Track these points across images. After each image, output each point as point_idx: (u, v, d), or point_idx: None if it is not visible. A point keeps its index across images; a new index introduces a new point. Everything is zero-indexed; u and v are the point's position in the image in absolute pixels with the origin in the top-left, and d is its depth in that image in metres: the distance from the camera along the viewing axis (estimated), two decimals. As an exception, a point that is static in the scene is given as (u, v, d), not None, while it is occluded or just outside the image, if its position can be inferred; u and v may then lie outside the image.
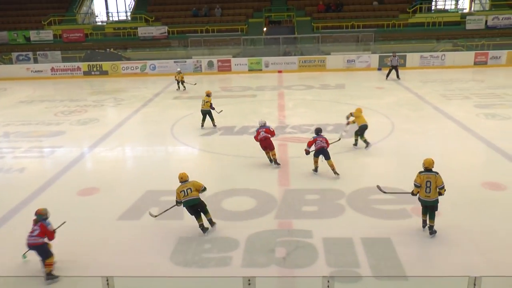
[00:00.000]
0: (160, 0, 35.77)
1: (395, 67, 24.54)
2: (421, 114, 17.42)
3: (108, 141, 15.31)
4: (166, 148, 14.55)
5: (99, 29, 34.78)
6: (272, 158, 12.12)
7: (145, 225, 9.15)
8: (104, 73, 29.97)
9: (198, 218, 8.62)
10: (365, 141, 13.23)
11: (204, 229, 8.61)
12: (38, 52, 31.75)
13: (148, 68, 29.66)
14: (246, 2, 34.88)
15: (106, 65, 30.11)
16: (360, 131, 13.12)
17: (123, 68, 29.84)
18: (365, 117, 13.22)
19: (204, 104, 16.00)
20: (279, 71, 28.85)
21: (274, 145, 12.17)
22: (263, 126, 12.23)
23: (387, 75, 24.73)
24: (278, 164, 12.05)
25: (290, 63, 29.23)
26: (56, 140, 15.52)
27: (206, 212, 8.70)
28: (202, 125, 16.03)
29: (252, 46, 31.72)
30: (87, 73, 30.09)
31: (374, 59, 28.37)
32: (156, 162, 13.22)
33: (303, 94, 21.84)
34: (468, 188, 10.28)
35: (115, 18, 39.67)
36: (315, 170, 11.44)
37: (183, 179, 8.78)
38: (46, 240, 7.55)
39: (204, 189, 8.80)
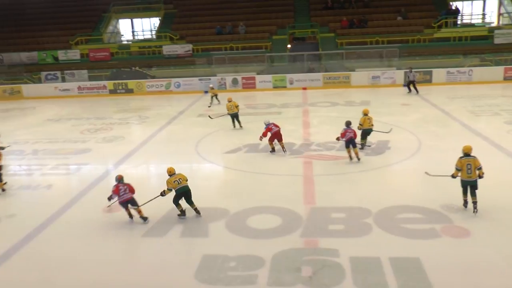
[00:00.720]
0: (184, 19, 36.25)
1: (412, 82, 24.82)
2: (449, 131, 17.09)
3: (133, 158, 15.40)
4: (191, 165, 14.52)
5: (124, 48, 35.40)
6: (282, 146, 14.52)
7: (169, 242, 9.12)
8: (129, 91, 30.38)
9: (178, 205, 10.04)
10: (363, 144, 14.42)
11: (183, 213, 10.08)
12: (65, 71, 32.48)
13: (173, 86, 29.96)
14: (270, 19, 35.07)
15: (131, 83, 30.54)
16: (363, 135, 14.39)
17: (148, 86, 30.21)
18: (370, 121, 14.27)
19: (233, 108, 18.06)
20: (304, 88, 28.80)
21: (298, 162, 13.26)
22: (270, 123, 14.50)
23: (409, 89, 25.19)
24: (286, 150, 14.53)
25: (314, 80, 29.17)
26: (82, 158, 15.68)
27: (191, 202, 10.10)
28: (234, 126, 18.32)
29: (276, 63, 31.77)
30: (112, 91, 30.55)
31: (399, 75, 28.04)
32: (181, 179, 13.20)
33: (328, 111, 21.71)
34: (499, 208, 9.94)
35: (140, 37, 40.34)
36: (351, 158, 13.33)
37: (172, 173, 10.21)
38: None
39: (186, 180, 10.19)
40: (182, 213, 10.13)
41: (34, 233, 9.98)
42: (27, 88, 32.03)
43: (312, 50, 32.00)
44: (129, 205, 10.05)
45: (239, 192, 11.83)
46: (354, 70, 29.44)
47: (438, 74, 27.95)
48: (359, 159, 13.27)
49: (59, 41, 35.78)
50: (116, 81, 30.82)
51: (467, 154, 9.57)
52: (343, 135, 13.08)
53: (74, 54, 34.22)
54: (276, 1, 36.53)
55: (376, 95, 25.43)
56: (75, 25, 36.84)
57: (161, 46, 33.51)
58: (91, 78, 31.93)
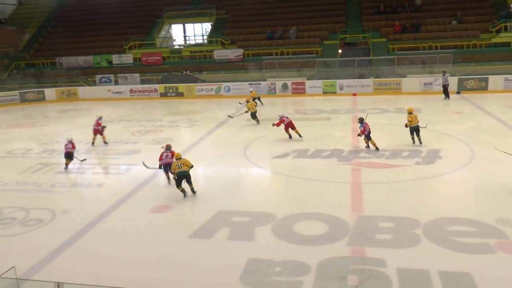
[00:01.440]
0: (236, 24, 36.63)
1: (444, 87, 24.97)
2: (505, 141, 16.38)
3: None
4: (239, 169, 14.63)
5: (176, 53, 36.13)
6: (297, 132, 17.24)
7: (216, 244, 9.19)
8: (179, 94, 30.98)
9: (179, 185, 11.79)
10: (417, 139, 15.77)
11: (184, 192, 11.78)
12: (119, 75, 33.58)
13: (223, 90, 30.32)
14: (321, 24, 34.86)
15: (182, 87, 31.14)
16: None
17: (198, 90, 30.69)
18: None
19: (253, 107, 20.62)
20: (354, 94, 28.47)
21: (346, 169, 13.50)
22: (283, 116, 17.42)
23: (446, 95, 25.45)
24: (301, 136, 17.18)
25: (364, 86, 28.79)
26: (132, 158, 16.10)
27: (190, 182, 11.83)
28: (258, 121, 20.59)
29: (326, 69, 31.54)
30: (163, 95, 31.24)
31: (453, 82, 27.15)
32: (228, 182, 13.32)
33: (378, 118, 21.32)
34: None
35: (192, 42, 41.05)
36: (368, 147, 15.53)
37: (178, 157, 12.04)
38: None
39: (192, 166, 11.95)
40: (183, 192, 11.84)
41: (85, 229, 10.35)
42: (83, 90, 33.41)
43: (363, 55, 31.59)
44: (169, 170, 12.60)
45: (286, 198, 11.81)
46: (405, 76, 28.83)
47: (495, 81, 26.92)
48: (377, 149, 15.27)
49: (114, 46, 36.98)
50: (167, 85, 31.51)
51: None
52: (363, 132, 15.23)
53: (127, 58, 35.24)
54: (328, 6, 36.30)
55: (427, 102, 24.77)
56: (129, 30, 37.95)
57: (212, 51, 33.99)
58: (143, 82, 32.83)
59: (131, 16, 39.69)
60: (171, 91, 31.32)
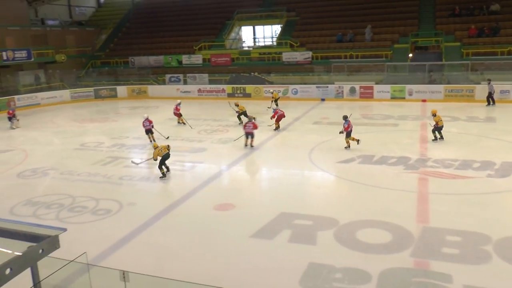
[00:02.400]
0: (305, 26, 36.51)
1: (490, 94, 24.57)
2: None
3: (247, 160, 15.86)
4: (303, 172, 14.60)
5: (245, 54, 36.56)
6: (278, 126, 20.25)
7: (277, 245, 9.25)
8: (247, 95, 31.32)
9: (161, 168, 13.86)
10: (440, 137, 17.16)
11: (164, 175, 13.88)
12: (188, 75, 34.45)
13: (290, 92, 30.34)
14: (393, 27, 33.97)
15: (249, 88, 31.48)
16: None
17: (266, 92, 30.87)
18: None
19: (242, 109, 22.60)
20: (423, 100, 27.56)
21: (413, 177, 13.17)
22: (276, 108, 20.56)
23: (488, 102, 25.12)
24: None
25: (435, 92, 27.79)
26: (198, 156, 16.49)
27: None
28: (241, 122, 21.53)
29: (396, 73, 30.76)
30: (231, 95, 31.70)
31: (534, 90, 25.59)
32: (292, 185, 13.32)
33: (448, 126, 20.43)
34: None
35: (261, 44, 41.38)
36: (348, 147, 16.52)
37: (155, 146, 14.25)
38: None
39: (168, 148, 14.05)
40: (163, 175, 13.90)
41: (150, 221, 10.78)
42: (153, 89, 34.59)
43: (435, 60, 30.44)
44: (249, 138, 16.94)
45: (350, 203, 11.66)
46: (479, 83, 27.47)
47: None
48: (358, 141, 16.51)
49: (184, 47, 37.96)
50: (235, 85, 31.98)
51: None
52: (346, 129, 16.35)
53: (197, 58, 36.06)
54: (400, 9, 35.33)
55: (504, 111, 23.49)
56: (200, 31, 38.79)
57: (281, 53, 34.08)
58: (211, 82, 33.49)
59: (202, 18, 40.55)
60: (238, 91, 31.75)
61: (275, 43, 37.90)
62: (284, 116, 20.32)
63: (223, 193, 12.98)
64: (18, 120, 23.84)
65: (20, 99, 30.61)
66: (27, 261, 4.64)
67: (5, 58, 32.05)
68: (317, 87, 29.70)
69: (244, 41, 41.90)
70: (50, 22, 41.83)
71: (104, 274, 5.68)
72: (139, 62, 37.65)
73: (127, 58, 38.19)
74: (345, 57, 32.09)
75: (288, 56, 33.67)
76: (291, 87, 30.49)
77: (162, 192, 13.20)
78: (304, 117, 23.44)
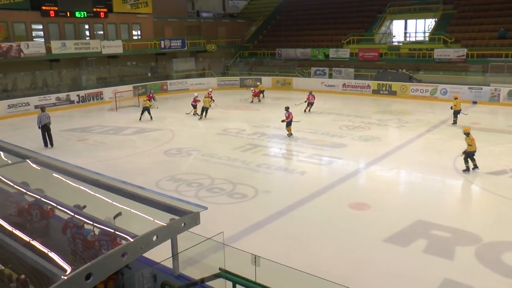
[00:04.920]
0: (463, 21, 33.90)
1: None
2: None
3: (386, 161, 15.32)
4: (445, 180, 13.64)
5: (394, 49, 35.20)
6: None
7: (411, 254, 8.83)
8: (392, 93, 30.21)
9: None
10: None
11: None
12: (333, 68, 34.23)
13: (439, 92, 28.58)
14: None
15: (395, 85, 30.30)
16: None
17: (412, 90, 29.49)
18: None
19: (207, 103, 23.28)
20: None
21: None
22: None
23: None
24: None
25: None
26: (337, 152, 16.35)
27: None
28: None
29: None
30: (375, 92, 30.85)
31: None
32: (432, 192, 12.55)
33: None
34: None
35: (412, 39, 39.52)
36: (290, 135, 18.35)
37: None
38: None
39: None
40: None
41: (284, 211, 11.02)
42: (297, 81, 35.04)
43: None
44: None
45: (497, 221, 10.62)
46: None
47: None
48: (291, 134, 18.19)
49: (332, 40, 37.73)
50: (380, 82, 31.02)
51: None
52: (287, 118, 18.06)
53: (344, 52, 35.62)
54: None
55: None
56: (349, 25, 38.24)
57: (432, 49, 32.15)
58: (356, 77, 32.90)
59: (353, 11, 39.92)
60: (384, 88, 30.76)
61: (427, 39, 35.88)
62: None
63: (359, 192, 12.74)
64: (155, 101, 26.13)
65: (172, 84, 33.56)
66: (170, 232, 5.01)
67: (162, 46, 35.20)
68: (469, 88, 27.53)
69: (394, 36, 40.39)
70: (204, 14, 44.60)
71: (236, 255, 5.90)
72: (286, 54, 38.35)
73: (274, 50, 39.12)
74: (507, 56, 29.17)
75: (440, 52, 31.59)
76: (440, 86, 28.64)
77: (297, 184, 13.33)
78: (451, 120, 21.88)
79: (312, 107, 24.60)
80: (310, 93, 24.79)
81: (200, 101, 23.50)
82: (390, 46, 36.04)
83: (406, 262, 8.52)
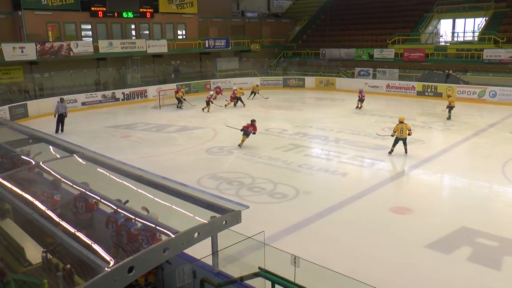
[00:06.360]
0: (516, 20, 32.67)
1: None
2: None
3: (430, 165, 14.96)
4: (492, 186, 13.19)
5: (441, 50, 34.28)
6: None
7: (454, 261, 8.59)
8: (438, 95, 29.43)
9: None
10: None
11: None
12: (377, 69, 33.69)
13: (487, 95, 27.65)
14: None
15: (441, 87, 29.52)
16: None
17: (459, 92, 28.65)
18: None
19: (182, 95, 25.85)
20: None
21: None
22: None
23: None
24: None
25: None
26: (379, 154, 16.09)
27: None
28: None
29: None
30: (420, 93, 30.18)
31: None
32: (478, 198, 12.17)
33: None
34: None
35: (461, 39, 38.38)
36: (240, 145, 17.11)
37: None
38: None
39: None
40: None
41: (324, 213, 10.95)
42: (340, 81, 34.66)
43: None
44: None
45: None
46: None
47: None
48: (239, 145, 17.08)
49: (377, 40, 37.15)
50: (425, 83, 30.31)
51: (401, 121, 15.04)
52: (248, 127, 17.16)
53: (388, 53, 34.98)
54: None
55: None
56: (395, 25, 37.53)
57: (482, 50, 31.11)
58: (401, 78, 32.25)
59: (399, 11, 39.12)
60: (429, 90, 30.04)
61: (476, 38, 34.76)
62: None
63: (401, 195, 12.52)
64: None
65: (215, 83, 33.72)
66: (212, 229, 5.08)
67: (207, 46, 35.58)
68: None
69: (441, 36, 39.32)
70: (249, 14, 44.76)
71: (276, 255, 5.91)
72: (330, 54, 38.02)
73: (318, 50, 38.83)
74: None
75: (490, 53, 30.50)
76: (489, 88, 27.68)
77: (339, 185, 13.20)
78: (501, 124, 21.13)
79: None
80: (361, 91, 25.65)
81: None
82: (436, 47, 35.13)
83: (449, 270, 8.28)
